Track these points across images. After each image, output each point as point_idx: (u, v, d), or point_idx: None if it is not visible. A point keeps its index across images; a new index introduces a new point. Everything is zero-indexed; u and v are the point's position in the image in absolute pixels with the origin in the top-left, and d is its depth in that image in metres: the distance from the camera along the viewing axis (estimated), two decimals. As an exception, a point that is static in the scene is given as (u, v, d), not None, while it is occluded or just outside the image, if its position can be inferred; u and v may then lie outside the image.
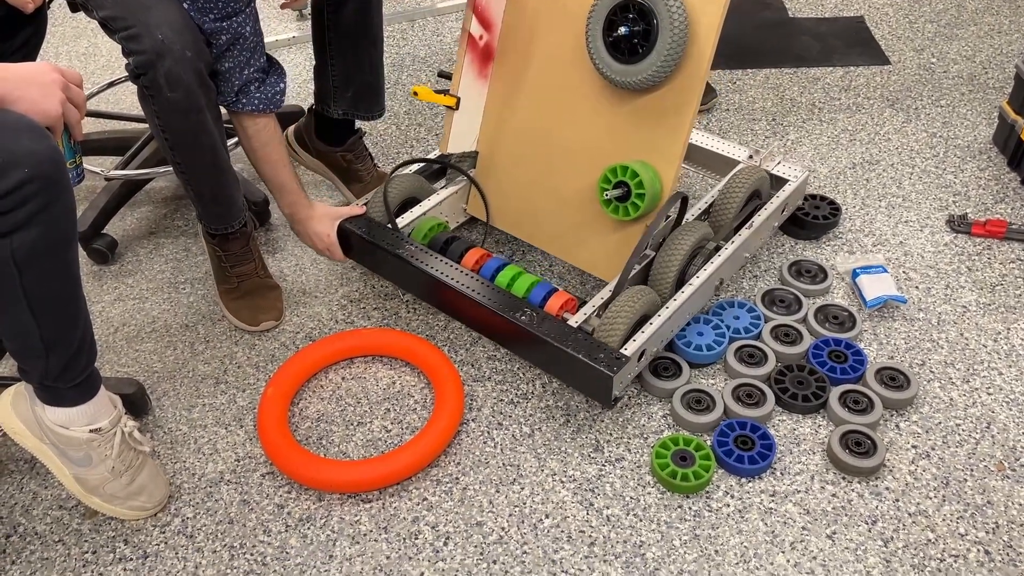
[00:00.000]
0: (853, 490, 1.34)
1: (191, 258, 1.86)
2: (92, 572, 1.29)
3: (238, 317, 1.66)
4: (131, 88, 1.40)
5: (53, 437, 1.24)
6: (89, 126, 2.15)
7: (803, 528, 1.29)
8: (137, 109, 1.48)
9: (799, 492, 1.34)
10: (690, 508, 1.33)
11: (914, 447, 1.39)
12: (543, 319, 1.40)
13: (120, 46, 1.35)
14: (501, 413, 1.49)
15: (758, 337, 1.56)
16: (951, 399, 1.47)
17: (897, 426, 1.43)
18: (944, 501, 1.32)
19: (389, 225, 1.62)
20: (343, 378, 1.57)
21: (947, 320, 1.61)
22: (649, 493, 1.35)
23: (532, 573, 1.26)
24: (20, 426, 1.25)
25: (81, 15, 1.53)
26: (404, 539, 1.31)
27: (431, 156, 1.78)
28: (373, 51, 1.76)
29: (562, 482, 1.37)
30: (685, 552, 1.27)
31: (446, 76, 1.73)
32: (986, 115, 2.13)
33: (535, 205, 1.67)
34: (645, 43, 1.41)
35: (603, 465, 1.39)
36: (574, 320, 1.42)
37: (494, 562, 1.27)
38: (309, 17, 1.82)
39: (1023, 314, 1.61)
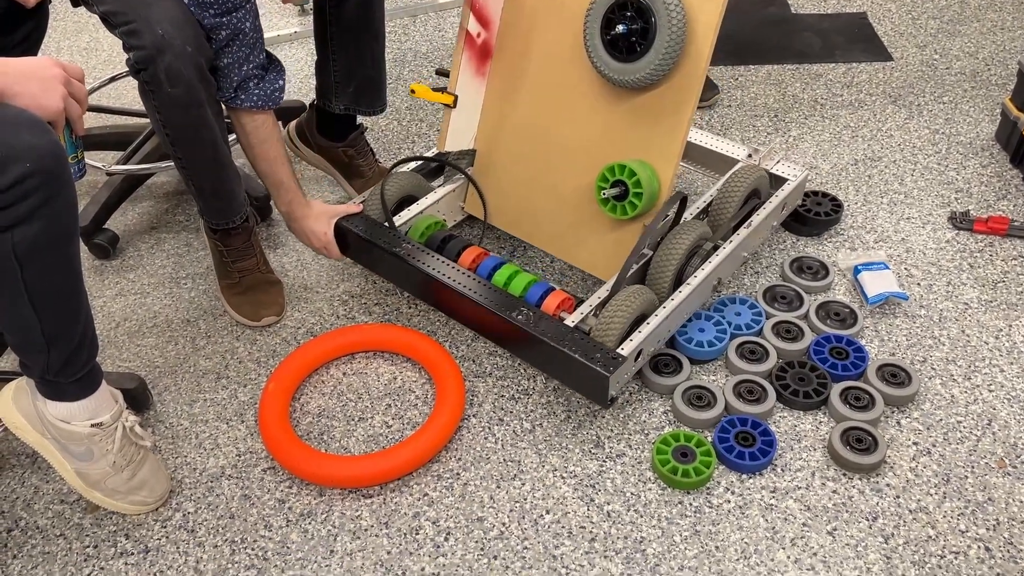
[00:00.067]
0: (854, 487, 1.34)
1: (192, 253, 1.86)
2: (93, 566, 1.29)
3: (239, 312, 1.66)
4: (133, 83, 1.39)
5: (54, 432, 1.24)
6: (91, 121, 2.15)
7: (804, 524, 1.29)
8: (139, 104, 1.48)
9: (800, 488, 1.34)
10: (691, 504, 1.33)
11: (915, 444, 1.39)
12: (539, 318, 1.40)
13: (121, 41, 1.35)
14: (502, 409, 1.49)
15: (759, 333, 1.56)
16: (952, 396, 1.47)
17: (898, 423, 1.43)
18: (945, 498, 1.32)
19: (386, 223, 1.62)
20: (344, 373, 1.57)
21: (949, 317, 1.61)
22: (650, 489, 1.35)
23: (533, 568, 1.26)
24: (21, 420, 1.25)
25: (82, 10, 1.52)
26: (405, 534, 1.31)
27: (430, 153, 1.78)
28: (375, 46, 1.75)
29: (563, 478, 1.37)
30: (686, 548, 1.27)
31: (444, 74, 1.73)
32: (988, 112, 2.13)
33: (533, 203, 1.67)
34: (643, 41, 1.41)
35: (604, 461, 1.39)
36: (571, 320, 1.42)
37: (495, 557, 1.27)
38: (311, 12, 1.81)
39: (1025, 311, 1.62)
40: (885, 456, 1.36)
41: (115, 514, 1.35)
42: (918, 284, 1.68)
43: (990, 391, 1.47)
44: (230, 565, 1.28)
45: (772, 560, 1.25)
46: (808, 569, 1.24)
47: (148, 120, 1.94)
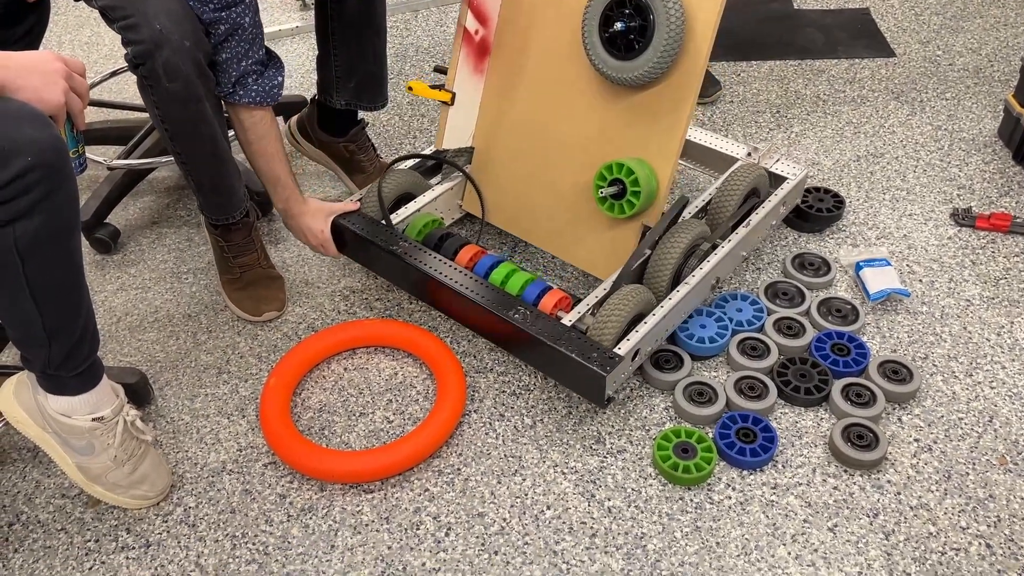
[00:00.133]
0: (855, 483, 1.34)
1: (194, 248, 1.86)
2: (94, 560, 1.29)
3: (240, 307, 1.66)
4: (133, 78, 1.39)
5: (56, 426, 1.24)
6: (92, 115, 2.15)
7: (804, 521, 1.29)
8: (139, 98, 1.48)
9: (801, 485, 1.34)
10: (691, 500, 1.33)
11: (916, 440, 1.39)
12: (536, 317, 1.40)
13: (119, 35, 1.35)
14: (503, 404, 1.49)
15: (761, 330, 1.56)
16: (954, 393, 1.46)
17: (899, 419, 1.42)
18: (946, 495, 1.32)
19: (383, 221, 1.61)
20: (345, 369, 1.57)
21: (950, 314, 1.61)
22: (651, 485, 1.35)
23: (533, 564, 1.26)
24: (23, 415, 1.25)
25: (83, 4, 1.52)
26: (406, 529, 1.31)
27: (430, 149, 1.78)
28: (376, 41, 1.75)
29: (564, 473, 1.37)
30: (686, 544, 1.27)
31: (442, 71, 1.72)
32: (991, 108, 2.12)
33: (531, 202, 1.66)
34: (641, 39, 1.40)
35: (605, 457, 1.39)
36: (568, 319, 1.41)
37: (495, 553, 1.27)
38: (312, 6, 1.81)
39: (1027, 308, 1.61)
40: (886, 453, 1.36)
41: (116, 508, 1.35)
42: (920, 280, 1.67)
43: (991, 388, 1.47)
44: (231, 560, 1.28)
45: (773, 556, 1.25)
46: (809, 565, 1.24)
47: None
